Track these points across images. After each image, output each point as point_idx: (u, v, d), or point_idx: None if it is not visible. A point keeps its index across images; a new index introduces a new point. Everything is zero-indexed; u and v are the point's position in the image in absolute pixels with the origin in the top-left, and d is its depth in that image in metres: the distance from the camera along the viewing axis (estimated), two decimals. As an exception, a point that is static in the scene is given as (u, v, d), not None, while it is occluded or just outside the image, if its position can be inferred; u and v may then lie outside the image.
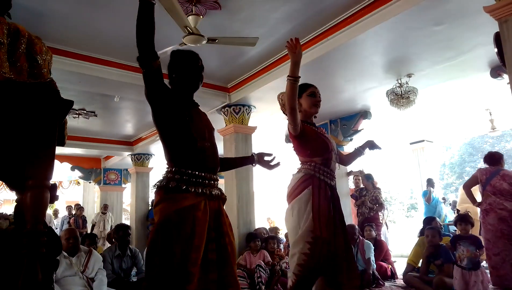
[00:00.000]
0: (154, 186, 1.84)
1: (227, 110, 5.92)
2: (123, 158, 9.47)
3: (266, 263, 4.66)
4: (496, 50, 3.05)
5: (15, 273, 1.46)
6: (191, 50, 2.03)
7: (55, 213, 11.39)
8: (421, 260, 4.49)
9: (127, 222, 9.76)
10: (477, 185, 4.38)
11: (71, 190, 13.20)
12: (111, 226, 9.08)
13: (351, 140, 6.82)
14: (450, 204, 8.43)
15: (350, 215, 6.50)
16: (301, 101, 2.42)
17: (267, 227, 8.27)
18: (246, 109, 5.95)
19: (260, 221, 9.49)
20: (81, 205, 10.43)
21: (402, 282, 4.69)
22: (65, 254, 3.30)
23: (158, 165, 9.39)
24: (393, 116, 6.81)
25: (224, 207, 1.96)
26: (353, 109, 6.46)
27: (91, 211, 11.46)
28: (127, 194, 10.95)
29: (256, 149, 4.88)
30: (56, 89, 1.69)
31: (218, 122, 5.79)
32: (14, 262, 1.48)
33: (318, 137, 2.39)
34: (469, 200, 4.45)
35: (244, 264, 4.78)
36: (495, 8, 2.85)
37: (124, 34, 4.04)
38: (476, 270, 3.62)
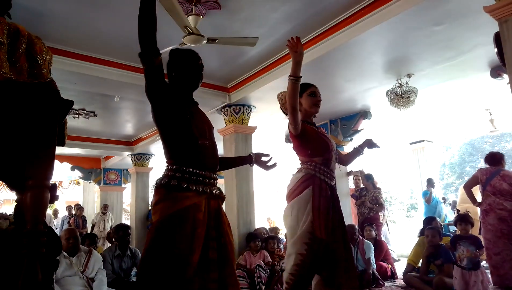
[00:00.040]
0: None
1: (227, 110, 5.92)
2: (123, 158, 9.47)
3: (266, 263, 4.66)
4: (496, 50, 3.05)
5: (15, 273, 1.45)
6: (191, 49, 2.02)
7: (55, 213, 11.38)
8: (421, 260, 4.49)
9: (127, 222, 9.76)
10: (478, 185, 4.38)
11: (71, 190, 13.21)
12: (111, 226, 9.07)
13: (351, 140, 6.82)
14: (450, 204, 8.43)
15: (350, 215, 6.50)
16: (301, 100, 2.40)
17: (267, 227, 8.27)
18: (246, 109, 5.95)
19: (260, 221, 9.48)
20: (81, 205, 10.44)
21: (402, 282, 4.69)
22: (65, 254, 3.29)
23: (158, 165, 9.38)
24: (393, 116, 6.81)
25: (224, 207, 1.96)
26: (353, 109, 6.46)
27: (91, 211, 11.46)
28: (127, 194, 10.96)
29: (256, 149, 4.89)
30: (56, 89, 1.69)
31: (218, 122, 5.79)
32: (14, 262, 1.48)
33: (319, 137, 2.38)
34: (469, 200, 4.45)
35: (244, 264, 4.78)
36: (495, 8, 2.85)
37: (124, 34, 4.04)
38: (476, 270, 3.63)
